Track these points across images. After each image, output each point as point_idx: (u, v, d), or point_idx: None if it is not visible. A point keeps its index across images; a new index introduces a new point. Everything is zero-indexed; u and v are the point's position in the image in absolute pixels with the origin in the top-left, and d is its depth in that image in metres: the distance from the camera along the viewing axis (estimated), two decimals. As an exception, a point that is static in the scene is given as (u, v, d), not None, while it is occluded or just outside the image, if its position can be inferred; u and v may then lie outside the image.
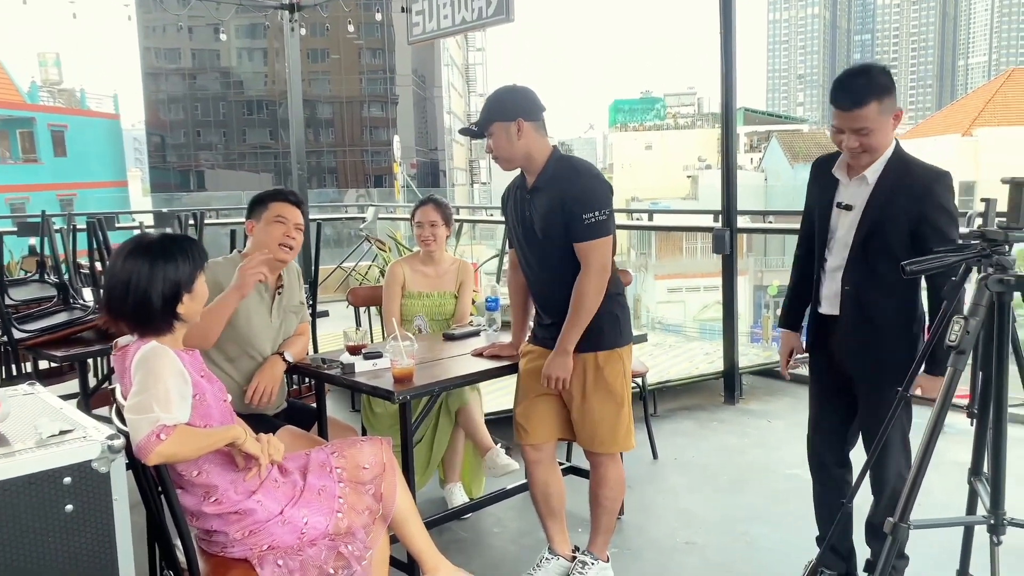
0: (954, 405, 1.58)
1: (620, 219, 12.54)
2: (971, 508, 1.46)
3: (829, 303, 2.30)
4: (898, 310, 2.15)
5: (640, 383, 3.91)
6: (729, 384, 4.73)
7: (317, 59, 51.36)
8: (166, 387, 1.78)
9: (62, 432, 1.65)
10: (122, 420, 1.81)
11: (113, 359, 1.98)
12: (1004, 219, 1.44)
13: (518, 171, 2.58)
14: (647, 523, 3.20)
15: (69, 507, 1.57)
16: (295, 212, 2.76)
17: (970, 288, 1.45)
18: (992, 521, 1.43)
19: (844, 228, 2.19)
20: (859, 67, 2.12)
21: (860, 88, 2.06)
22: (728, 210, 4.60)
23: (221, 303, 2.50)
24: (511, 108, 2.44)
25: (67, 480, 1.57)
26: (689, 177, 43.23)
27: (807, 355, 2.44)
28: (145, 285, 1.86)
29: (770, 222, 5.74)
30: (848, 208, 2.18)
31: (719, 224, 4.74)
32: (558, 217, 2.42)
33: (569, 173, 2.46)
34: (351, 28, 8.08)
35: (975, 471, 1.47)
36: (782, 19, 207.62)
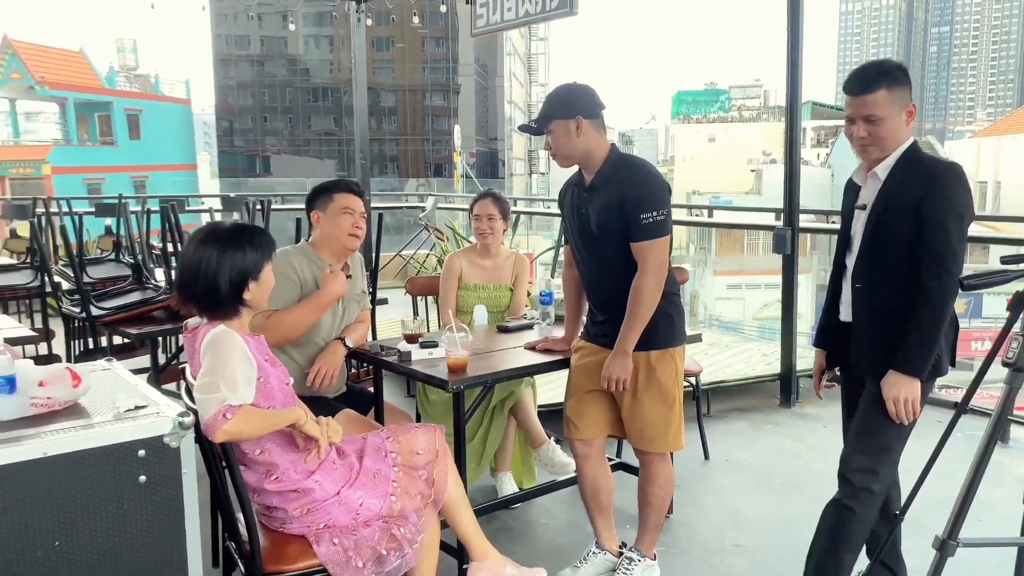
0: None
1: (679, 215, 12.43)
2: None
3: (846, 308, 2.26)
4: (905, 307, 2.06)
5: (693, 382, 3.89)
6: (785, 387, 4.66)
7: (382, 47, 51.96)
8: (233, 369, 1.86)
9: (137, 407, 1.75)
10: (192, 398, 1.91)
11: (184, 340, 2.07)
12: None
13: (576, 168, 2.60)
14: (696, 523, 3.20)
15: (143, 478, 1.67)
16: (359, 202, 2.85)
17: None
18: None
19: (859, 229, 2.18)
20: (875, 60, 2.14)
21: (871, 74, 2.06)
22: (790, 210, 4.52)
23: (305, 314, 2.67)
24: (571, 106, 2.46)
25: (141, 453, 1.66)
26: (753, 171, 42.39)
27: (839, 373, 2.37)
28: (214, 271, 1.96)
29: (833, 222, 5.62)
30: (863, 208, 2.16)
31: (780, 223, 4.67)
32: (615, 216, 2.43)
33: (627, 172, 2.46)
34: (416, 20, 8.17)
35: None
36: (855, 10, 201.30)
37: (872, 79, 2.06)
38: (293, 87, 54.12)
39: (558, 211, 2.79)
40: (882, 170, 2.12)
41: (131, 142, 29.61)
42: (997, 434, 1.32)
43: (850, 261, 2.22)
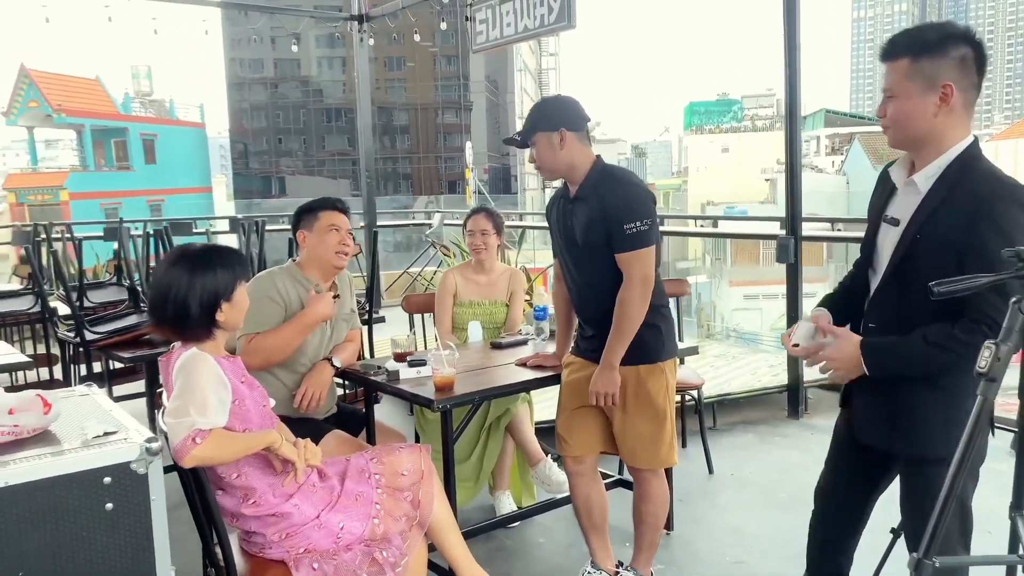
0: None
1: (688, 227, 12.33)
2: (1013, 546, 1.36)
3: None
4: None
5: (696, 396, 3.82)
6: (793, 398, 4.58)
7: (393, 67, 52.38)
8: (204, 392, 1.84)
9: (106, 433, 1.72)
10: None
11: (160, 364, 2.05)
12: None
13: (561, 181, 2.57)
14: (697, 539, 3.13)
15: (109, 505, 1.64)
16: (345, 219, 2.83)
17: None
18: None
19: (887, 249, 1.75)
20: (930, 22, 1.75)
21: (901, 38, 1.67)
22: (793, 218, 4.46)
23: (288, 336, 2.63)
24: (554, 118, 2.43)
25: (107, 480, 1.63)
26: (767, 180, 42.20)
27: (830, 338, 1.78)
28: (184, 294, 1.93)
29: (839, 230, 5.54)
30: (894, 223, 1.73)
31: (783, 232, 4.60)
32: (599, 227, 2.40)
33: (610, 182, 2.43)
34: (417, 37, 8.20)
35: (1016, 505, 1.36)
36: (867, 16, 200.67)
37: (895, 45, 1.67)
38: (307, 108, 54.63)
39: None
40: (923, 179, 1.67)
41: (147, 166, 30.01)
42: (974, 442, 1.25)
43: (873, 283, 1.81)
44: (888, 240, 1.75)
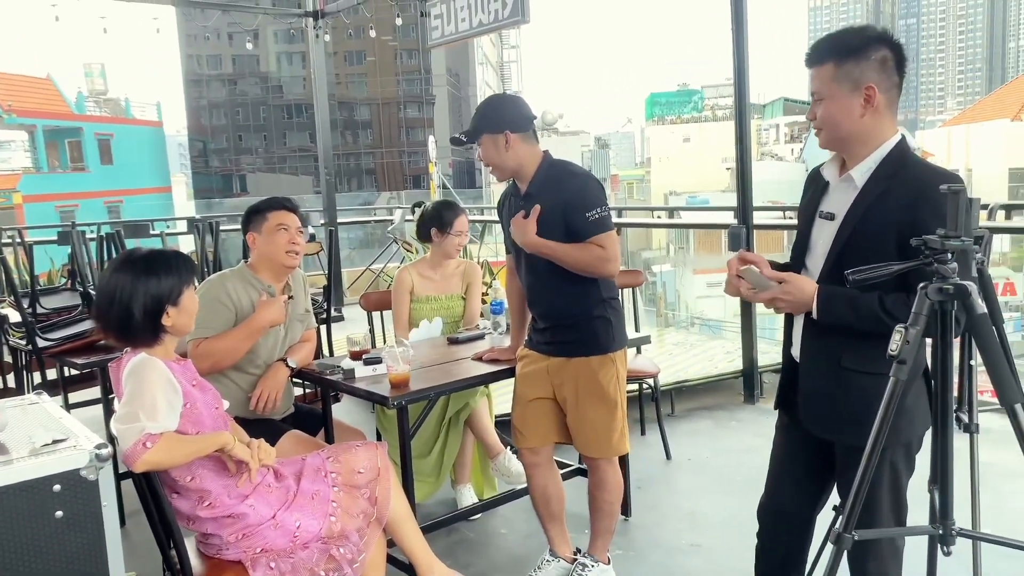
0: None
1: (650, 218, 12.42)
2: (932, 518, 1.43)
3: (797, 342, 1.87)
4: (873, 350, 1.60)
5: (652, 384, 3.89)
6: (748, 383, 4.69)
7: (354, 61, 51.92)
8: (153, 397, 1.85)
9: (55, 441, 1.72)
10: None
11: (111, 370, 2.05)
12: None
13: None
14: (654, 524, 3.20)
15: (59, 513, 1.64)
16: (294, 218, 2.82)
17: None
18: (941, 531, 1.39)
19: (822, 243, 1.79)
20: (848, 27, 1.79)
21: (824, 43, 1.73)
22: (744, 207, 4.55)
23: (236, 342, 2.61)
24: (498, 120, 2.47)
25: (57, 487, 1.63)
26: (728, 169, 42.65)
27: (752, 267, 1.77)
28: (128, 299, 1.93)
29: (790, 218, 5.66)
30: (830, 217, 1.77)
31: (735, 222, 4.70)
32: (556, 221, 2.43)
33: (562, 178, 2.47)
34: (373, 33, 8.17)
35: (932, 479, 1.44)
36: (823, 5, 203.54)
37: (819, 51, 1.73)
38: (267, 104, 53.91)
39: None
40: (859, 174, 1.72)
41: (103, 167, 29.35)
42: (888, 422, 1.31)
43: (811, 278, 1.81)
44: (824, 235, 1.79)
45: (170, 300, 1.98)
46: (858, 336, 1.66)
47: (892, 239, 1.62)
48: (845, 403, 1.74)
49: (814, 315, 1.71)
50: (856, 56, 1.67)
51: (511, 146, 2.46)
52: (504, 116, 2.47)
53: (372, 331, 3.74)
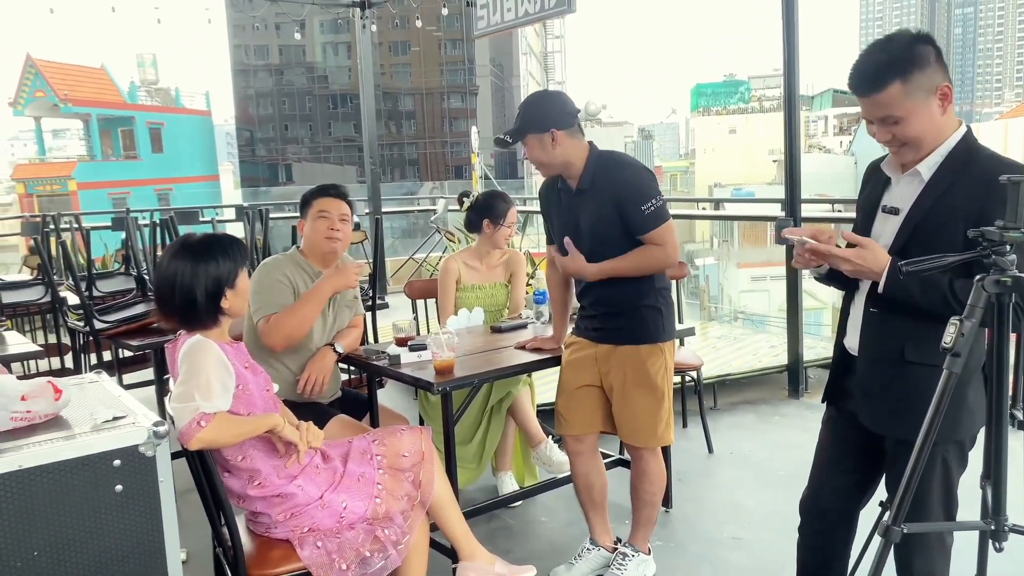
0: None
1: (694, 210, 12.30)
2: (983, 513, 1.41)
3: (855, 333, 1.83)
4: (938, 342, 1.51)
5: (695, 376, 3.87)
6: (793, 378, 4.63)
7: (398, 52, 52.19)
8: (208, 377, 1.90)
9: (115, 418, 1.78)
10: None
11: (167, 351, 2.11)
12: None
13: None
14: (695, 517, 3.19)
15: (119, 487, 1.70)
16: (339, 204, 2.87)
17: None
18: (993, 527, 1.37)
19: (885, 237, 1.75)
20: (881, 40, 1.70)
21: (877, 66, 1.65)
22: (792, 200, 4.49)
23: (307, 310, 2.71)
24: (543, 119, 2.46)
25: (117, 462, 1.69)
26: (775, 161, 42.00)
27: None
28: (189, 283, 1.99)
29: (839, 211, 5.56)
30: (894, 212, 1.74)
31: (783, 214, 4.63)
32: (612, 216, 2.43)
33: (613, 169, 2.46)
34: (419, 23, 8.20)
35: (986, 475, 1.41)
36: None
37: (878, 74, 1.65)
38: (312, 95, 54.54)
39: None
40: (926, 168, 1.69)
41: (154, 155, 30.08)
42: (938, 418, 1.29)
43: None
44: (887, 229, 1.76)
45: (228, 283, 2.03)
46: (923, 328, 1.62)
47: (960, 231, 1.56)
48: (906, 397, 1.69)
49: (880, 287, 1.66)
50: (918, 65, 1.63)
51: (558, 143, 2.45)
52: (549, 114, 2.46)
53: (416, 318, 3.78)
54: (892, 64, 1.63)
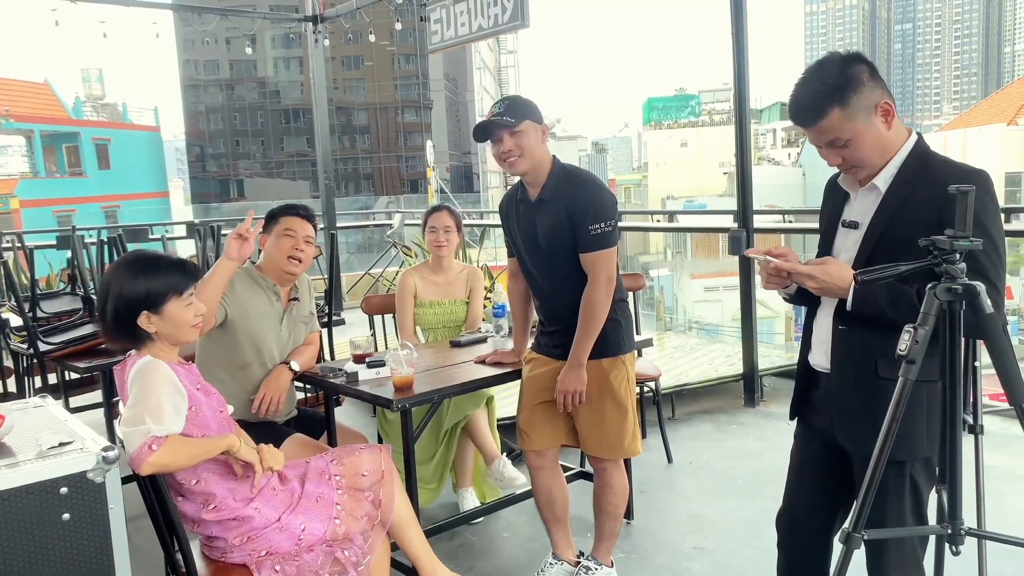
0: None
1: (648, 221, 12.43)
2: (940, 517, 1.44)
3: (820, 350, 1.81)
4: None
5: (654, 387, 3.90)
6: (749, 386, 4.69)
7: (351, 66, 51.98)
8: (159, 400, 1.84)
9: (61, 444, 1.72)
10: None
11: (115, 373, 2.05)
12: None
13: (516, 179, 2.60)
14: (657, 527, 3.20)
15: (66, 515, 1.64)
16: (304, 225, 2.83)
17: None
18: (949, 531, 1.40)
19: (847, 252, 1.75)
20: (813, 67, 1.70)
21: (813, 96, 1.65)
22: (744, 211, 4.57)
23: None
24: (539, 113, 2.48)
25: (64, 490, 1.63)
26: (725, 174, 42.76)
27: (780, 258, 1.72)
28: (105, 298, 1.94)
29: (789, 222, 5.67)
30: (854, 226, 1.73)
31: (735, 225, 4.71)
32: (565, 229, 2.43)
33: (575, 183, 2.46)
34: (372, 38, 8.17)
35: (941, 479, 1.44)
36: (819, 11, 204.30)
37: (816, 104, 1.65)
38: (264, 109, 53.94)
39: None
40: (882, 181, 1.70)
41: (101, 172, 29.36)
42: (895, 425, 1.31)
43: None
44: (848, 243, 1.77)
45: (148, 306, 1.94)
46: (895, 343, 1.53)
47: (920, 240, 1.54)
48: (882, 412, 1.61)
49: (848, 304, 1.66)
50: (852, 88, 1.63)
51: (545, 140, 2.48)
52: (538, 112, 2.48)
53: (374, 334, 3.74)
54: (828, 93, 1.63)
